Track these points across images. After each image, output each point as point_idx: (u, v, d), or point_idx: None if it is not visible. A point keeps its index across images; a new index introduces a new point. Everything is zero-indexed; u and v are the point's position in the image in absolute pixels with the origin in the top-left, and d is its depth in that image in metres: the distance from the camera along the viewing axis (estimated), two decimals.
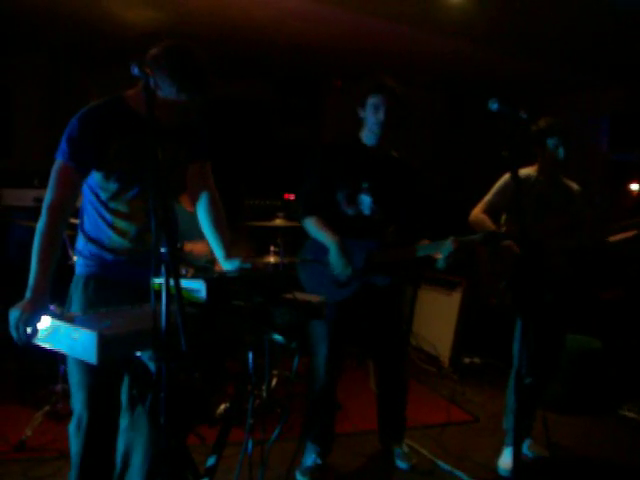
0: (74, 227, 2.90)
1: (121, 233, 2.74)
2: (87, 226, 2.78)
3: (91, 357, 1.93)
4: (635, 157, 7.98)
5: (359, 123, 3.85)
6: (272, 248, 4.73)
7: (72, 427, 2.76)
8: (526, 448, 4.24)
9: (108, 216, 2.73)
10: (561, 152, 3.96)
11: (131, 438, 2.79)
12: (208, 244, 4.41)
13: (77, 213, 2.86)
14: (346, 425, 4.73)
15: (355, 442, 4.44)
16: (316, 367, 3.87)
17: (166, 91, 2.52)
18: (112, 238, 2.74)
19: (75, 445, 2.74)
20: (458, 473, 3.96)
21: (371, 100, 3.70)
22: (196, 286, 2.20)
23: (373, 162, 3.82)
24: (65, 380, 4.51)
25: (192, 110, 2.69)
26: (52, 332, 2.14)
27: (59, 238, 2.58)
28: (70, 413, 2.80)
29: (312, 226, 3.80)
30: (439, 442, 4.38)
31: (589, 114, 8.09)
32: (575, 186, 4.17)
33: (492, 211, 4.07)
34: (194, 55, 2.60)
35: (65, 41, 6.74)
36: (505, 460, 4.06)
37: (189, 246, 4.43)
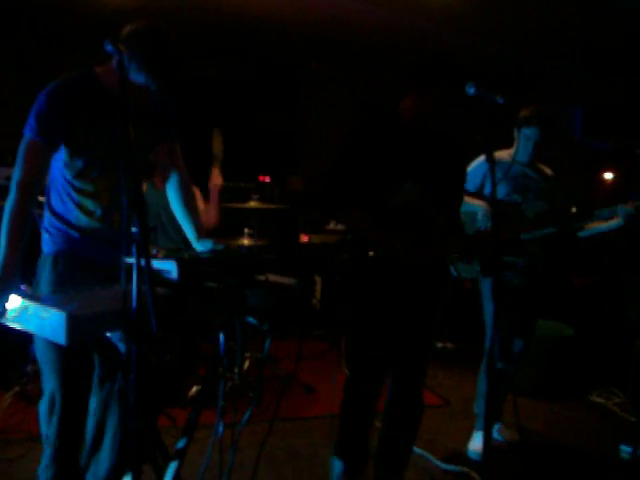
0: (43, 205, 2.86)
1: (87, 213, 2.71)
2: (54, 202, 2.74)
3: (60, 338, 1.90)
4: (606, 146, 8.05)
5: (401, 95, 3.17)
6: (246, 230, 4.71)
7: (43, 407, 2.75)
8: (496, 432, 4.28)
9: (74, 195, 2.69)
10: (531, 144, 3.96)
11: (101, 419, 2.77)
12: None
13: (44, 190, 2.81)
14: (317, 408, 4.74)
15: (325, 425, 4.44)
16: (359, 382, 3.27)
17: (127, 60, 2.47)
18: (79, 217, 2.71)
19: (49, 425, 2.73)
20: (428, 456, 3.98)
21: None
22: (167, 267, 2.18)
23: (419, 143, 3.15)
24: (35, 361, 4.48)
25: (149, 94, 2.64)
26: (21, 312, 2.11)
27: (29, 216, 2.54)
28: (40, 394, 2.78)
29: (352, 223, 3.20)
30: None
31: (563, 103, 8.13)
32: (549, 171, 4.18)
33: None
34: (165, 39, 2.53)
35: (35, 19, 6.63)
36: (475, 444, 4.10)
37: None
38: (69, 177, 2.68)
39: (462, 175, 3.40)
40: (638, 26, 5.97)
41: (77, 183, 2.68)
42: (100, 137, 2.62)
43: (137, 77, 2.50)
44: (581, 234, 4.08)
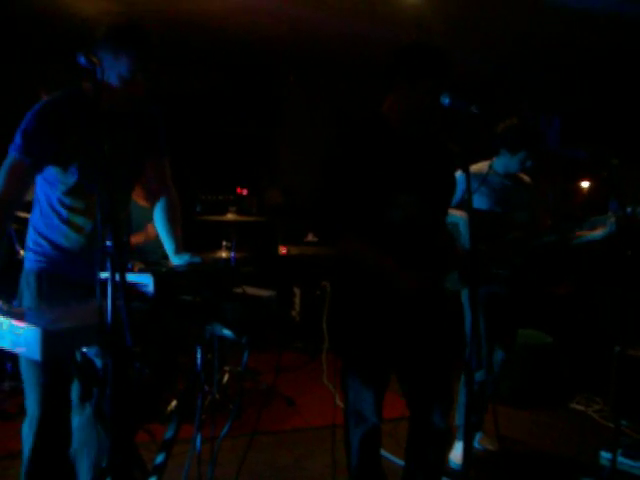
0: (22, 221, 2.85)
1: (77, 229, 2.70)
2: (40, 223, 2.73)
3: (35, 353, 1.87)
4: (583, 155, 8.11)
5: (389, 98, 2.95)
6: (224, 243, 4.70)
7: (25, 426, 2.72)
8: (477, 442, 4.28)
9: (63, 212, 2.68)
10: (529, 164, 3.98)
11: (80, 437, 2.75)
12: (144, 234, 4.33)
13: (28, 207, 2.80)
14: (298, 420, 4.73)
15: (307, 437, 4.43)
16: (360, 412, 2.99)
17: (108, 66, 2.49)
18: (67, 235, 2.69)
19: (27, 444, 2.70)
20: None
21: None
22: (143, 280, 2.17)
23: (411, 150, 2.93)
24: (12, 378, 4.43)
25: (140, 88, 2.63)
26: None
27: (3, 233, 2.54)
28: (18, 411, 2.75)
29: (355, 252, 2.88)
30: (393, 436, 4.38)
31: (540, 112, 8.19)
32: (527, 179, 4.20)
33: None
34: (134, 24, 2.58)
35: (11, 34, 6.60)
36: (456, 453, 4.09)
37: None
38: (58, 194, 2.66)
39: (453, 181, 3.21)
40: (614, 36, 6.06)
41: (68, 200, 2.67)
42: (91, 152, 2.59)
43: (113, 66, 2.51)
44: (575, 242, 4.07)
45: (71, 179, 2.62)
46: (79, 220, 2.69)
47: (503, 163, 4.03)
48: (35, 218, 2.75)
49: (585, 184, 8.54)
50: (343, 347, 3.02)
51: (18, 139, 2.54)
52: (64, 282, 2.67)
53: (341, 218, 2.86)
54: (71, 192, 2.66)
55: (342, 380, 3.00)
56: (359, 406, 2.96)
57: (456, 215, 3.94)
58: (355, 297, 2.92)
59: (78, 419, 2.74)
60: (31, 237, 2.75)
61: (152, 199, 3.02)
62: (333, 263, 3.02)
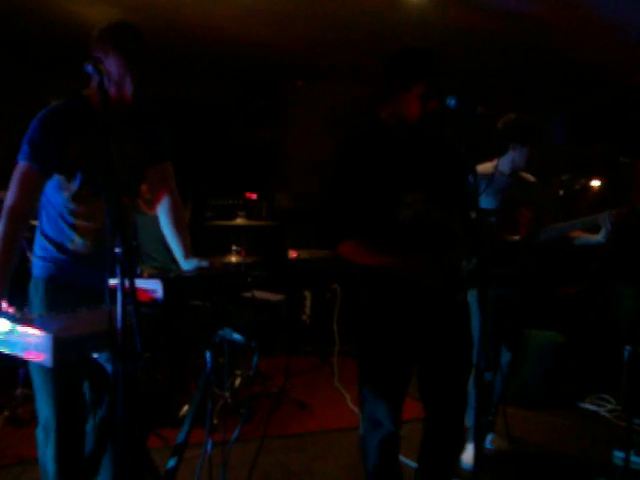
0: (31, 228, 2.86)
1: (83, 233, 2.71)
2: (47, 227, 2.75)
3: (46, 360, 1.89)
4: (591, 153, 8.10)
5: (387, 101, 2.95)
6: (234, 247, 4.71)
7: (40, 436, 2.72)
8: (488, 442, 4.27)
9: (69, 217, 2.70)
10: (534, 156, 3.98)
11: (96, 440, 2.76)
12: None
13: (36, 214, 2.82)
14: (310, 424, 4.73)
15: (319, 441, 4.43)
16: (376, 418, 2.96)
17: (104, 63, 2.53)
18: (74, 239, 2.71)
19: (47, 453, 2.69)
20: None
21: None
22: (152, 286, 2.18)
23: (414, 149, 2.93)
24: (25, 384, 4.45)
25: (138, 111, 2.66)
26: (8, 336, 2.10)
27: (19, 242, 2.58)
28: (31, 418, 2.76)
29: (358, 253, 2.86)
30: (406, 438, 4.37)
31: (543, 111, 8.19)
32: (531, 178, 4.19)
33: None
34: (123, 23, 2.66)
35: (19, 41, 6.64)
36: (467, 455, 4.08)
37: None
38: (64, 200, 2.69)
39: (461, 173, 3.13)
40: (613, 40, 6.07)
41: (72, 206, 2.69)
42: (94, 158, 2.62)
43: (114, 74, 2.57)
44: (577, 242, 4.06)
45: (75, 185, 2.65)
46: (85, 225, 2.71)
47: (509, 161, 4.03)
48: (42, 223, 2.78)
49: (595, 183, 8.52)
50: (360, 348, 2.99)
51: (25, 147, 2.58)
52: (72, 288, 2.68)
53: (346, 224, 2.85)
54: (76, 198, 2.68)
55: (359, 386, 2.98)
56: (376, 411, 2.94)
57: None
58: (369, 296, 2.91)
59: (90, 423, 2.76)
60: (38, 242, 2.78)
61: (156, 204, 3.04)
62: (345, 266, 2.98)
